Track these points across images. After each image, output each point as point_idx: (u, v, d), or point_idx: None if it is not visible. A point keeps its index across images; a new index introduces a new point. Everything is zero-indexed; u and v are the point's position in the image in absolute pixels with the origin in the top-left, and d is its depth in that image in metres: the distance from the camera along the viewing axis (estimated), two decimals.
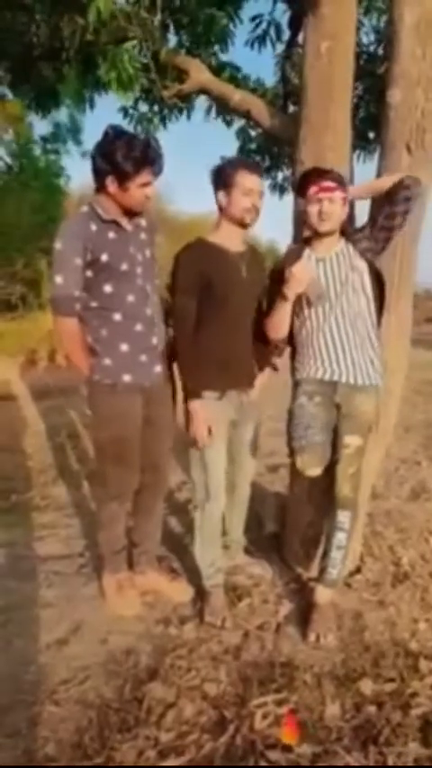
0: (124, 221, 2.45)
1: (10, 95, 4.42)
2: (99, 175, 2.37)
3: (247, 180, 2.45)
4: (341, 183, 2.42)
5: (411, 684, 2.20)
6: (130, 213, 2.46)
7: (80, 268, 2.36)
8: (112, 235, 2.42)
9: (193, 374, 2.50)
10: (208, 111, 4.00)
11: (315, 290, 2.44)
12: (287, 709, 2.06)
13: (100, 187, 2.39)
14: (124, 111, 4.11)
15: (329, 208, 2.40)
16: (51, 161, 17.32)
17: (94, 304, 2.45)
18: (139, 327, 2.50)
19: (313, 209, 2.43)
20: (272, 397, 2.85)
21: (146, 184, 2.37)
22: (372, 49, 3.90)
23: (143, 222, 2.58)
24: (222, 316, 2.50)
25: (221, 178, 2.48)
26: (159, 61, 3.29)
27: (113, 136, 2.32)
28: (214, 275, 2.46)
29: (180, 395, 2.64)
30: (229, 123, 4.23)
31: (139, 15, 3.01)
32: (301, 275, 2.36)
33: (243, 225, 2.55)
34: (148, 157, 2.33)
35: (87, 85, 3.96)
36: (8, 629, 2.58)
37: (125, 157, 2.27)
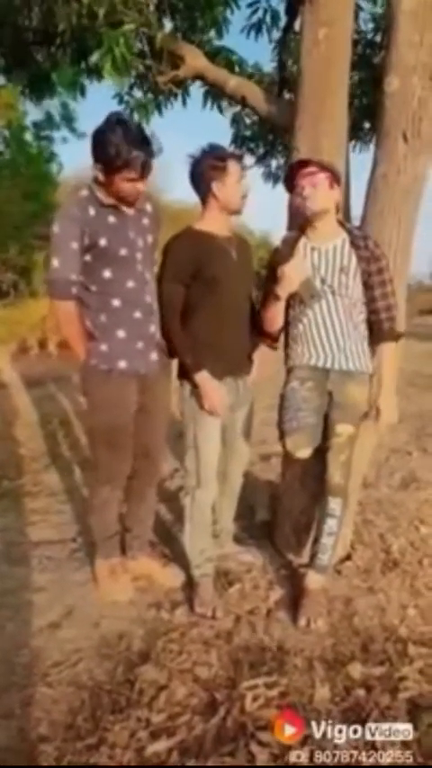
0: (124, 206, 2.44)
1: (2, 81, 4.39)
2: (93, 160, 2.36)
3: (237, 168, 2.49)
4: (324, 167, 2.42)
5: (400, 668, 2.22)
6: (124, 201, 2.44)
7: (77, 252, 2.35)
8: (111, 219, 2.41)
9: (190, 352, 2.51)
10: (205, 99, 3.97)
11: (307, 290, 2.45)
12: (284, 706, 2.06)
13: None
14: (119, 97, 4.09)
15: (310, 191, 2.41)
16: (43, 147, 17.18)
17: (93, 288, 2.44)
18: (137, 314, 2.49)
19: (298, 200, 2.47)
20: (264, 386, 2.86)
21: (132, 180, 2.34)
22: (370, 36, 3.88)
23: (148, 207, 2.57)
24: (216, 300, 2.50)
25: (211, 169, 2.47)
26: (155, 46, 3.26)
27: (112, 124, 2.29)
28: (205, 260, 2.46)
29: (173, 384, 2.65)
30: (221, 110, 4.18)
31: None
32: (293, 275, 2.37)
33: (238, 212, 2.57)
34: (135, 155, 2.28)
35: (81, 72, 3.93)
36: (1, 613, 2.59)
37: (114, 151, 2.24)
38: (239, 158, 2.57)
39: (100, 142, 2.28)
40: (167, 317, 2.54)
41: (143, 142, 2.31)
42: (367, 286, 2.45)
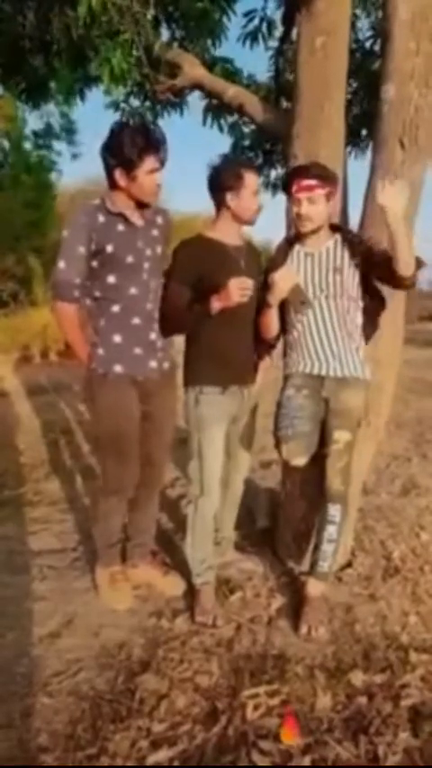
0: (135, 216, 2.48)
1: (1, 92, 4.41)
2: (109, 171, 2.41)
3: (254, 181, 2.48)
4: (325, 178, 2.40)
5: (402, 676, 2.22)
6: (144, 205, 2.49)
7: (83, 256, 2.40)
8: (120, 227, 2.45)
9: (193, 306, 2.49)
10: (205, 112, 3.99)
11: (297, 297, 2.45)
12: (287, 709, 2.06)
13: (112, 183, 2.43)
14: (115, 105, 4.11)
15: (308, 209, 2.40)
16: (43, 156, 17.22)
17: (96, 294, 2.49)
18: (136, 321, 2.52)
19: (294, 210, 2.45)
20: (265, 393, 2.86)
21: (153, 170, 2.40)
22: (367, 44, 3.89)
23: (159, 219, 2.61)
24: (223, 310, 2.46)
25: (227, 179, 2.46)
26: (152, 56, 3.28)
27: (117, 130, 2.37)
28: (213, 269, 2.46)
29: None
30: (222, 128, 4.19)
31: (132, 9, 3.00)
32: (283, 283, 2.37)
33: (250, 223, 2.58)
34: (150, 143, 2.36)
35: (78, 79, 3.94)
36: (1, 621, 2.58)
37: (129, 147, 2.31)
38: (256, 170, 2.56)
39: (113, 147, 2.35)
40: (169, 308, 2.53)
41: (151, 132, 2.40)
42: (374, 264, 2.42)
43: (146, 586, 2.84)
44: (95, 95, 3.96)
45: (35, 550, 3.28)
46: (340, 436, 2.44)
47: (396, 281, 2.33)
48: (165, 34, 3.64)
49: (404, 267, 2.24)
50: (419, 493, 4.08)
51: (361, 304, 2.52)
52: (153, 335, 2.58)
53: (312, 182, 2.37)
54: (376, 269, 2.42)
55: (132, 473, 2.66)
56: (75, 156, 16.38)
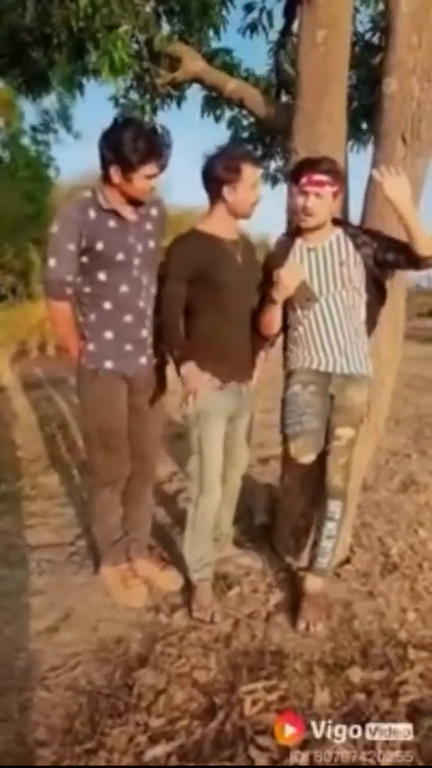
0: (127, 211, 2.43)
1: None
2: (104, 164, 2.35)
3: (253, 173, 2.40)
4: (335, 176, 2.36)
5: (400, 673, 2.22)
6: (135, 202, 2.45)
7: (74, 253, 2.36)
8: (111, 224, 2.41)
9: (180, 347, 2.46)
10: (203, 107, 3.97)
11: (304, 294, 2.43)
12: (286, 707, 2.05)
13: (105, 176, 2.37)
14: (114, 100, 4.08)
15: (314, 203, 2.36)
16: (41, 151, 17.21)
17: (87, 290, 2.45)
18: (128, 318, 2.50)
19: (299, 202, 2.39)
20: (262, 389, 2.85)
21: (151, 176, 2.35)
22: (367, 37, 3.87)
23: (153, 212, 2.56)
24: (221, 305, 2.46)
25: (224, 171, 2.38)
26: (152, 49, 3.26)
27: (121, 125, 2.31)
28: (210, 264, 2.42)
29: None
30: (218, 119, 4.16)
31: (133, 1, 2.98)
32: (289, 280, 2.33)
33: (246, 217, 2.52)
34: (154, 150, 2.30)
35: (78, 71, 3.92)
36: None
37: (131, 148, 2.24)
38: (256, 162, 2.47)
39: (114, 143, 2.28)
40: (168, 314, 2.48)
41: (156, 137, 2.34)
42: (384, 251, 2.42)
43: (143, 581, 2.83)
44: (98, 89, 3.93)
45: (33, 544, 3.27)
46: (343, 433, 2.43)
47: (420, 263, 2.33)
48: (165, 27, 3.61)
49: (425, 248, 2.25)
50: (418, 489, 4.07)
51: (365, 297, 2.50)
52: (144, 333, 2.56)
53: (324, 177, 2.33)
54: (393, 256, 2.41)
55: (122, 464, 2.65)
56: (77, 136, 16.39)
